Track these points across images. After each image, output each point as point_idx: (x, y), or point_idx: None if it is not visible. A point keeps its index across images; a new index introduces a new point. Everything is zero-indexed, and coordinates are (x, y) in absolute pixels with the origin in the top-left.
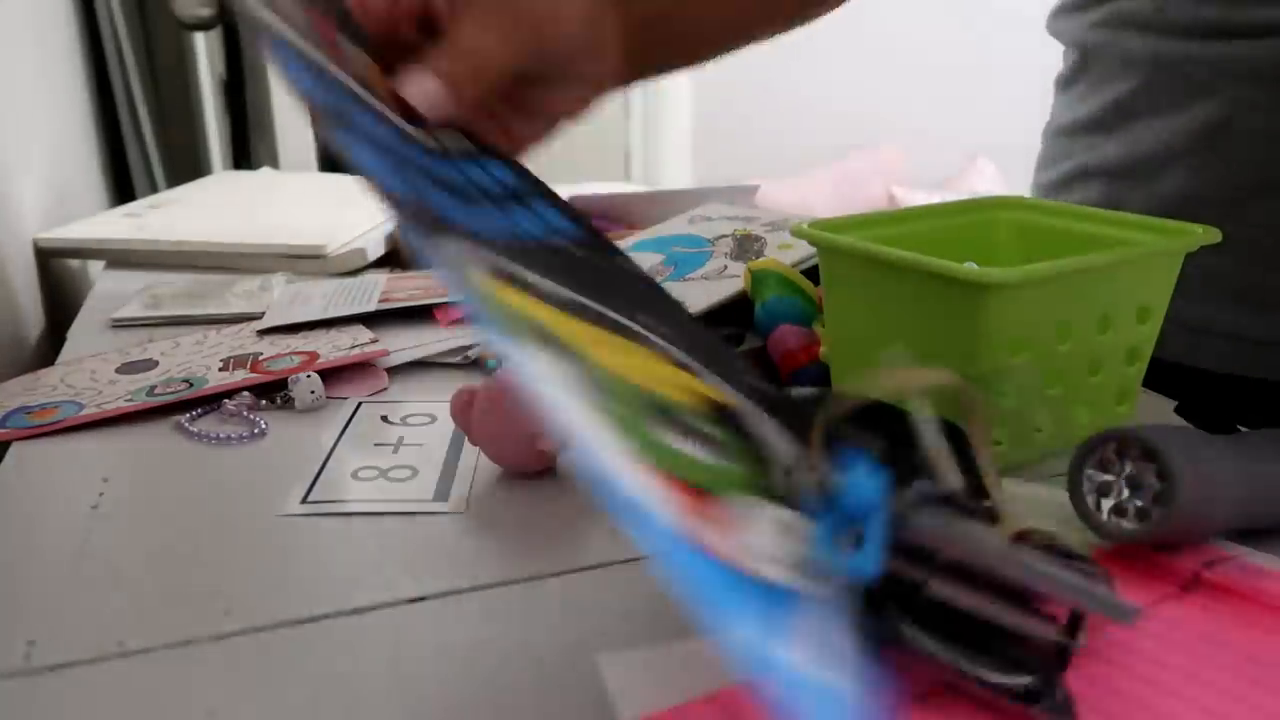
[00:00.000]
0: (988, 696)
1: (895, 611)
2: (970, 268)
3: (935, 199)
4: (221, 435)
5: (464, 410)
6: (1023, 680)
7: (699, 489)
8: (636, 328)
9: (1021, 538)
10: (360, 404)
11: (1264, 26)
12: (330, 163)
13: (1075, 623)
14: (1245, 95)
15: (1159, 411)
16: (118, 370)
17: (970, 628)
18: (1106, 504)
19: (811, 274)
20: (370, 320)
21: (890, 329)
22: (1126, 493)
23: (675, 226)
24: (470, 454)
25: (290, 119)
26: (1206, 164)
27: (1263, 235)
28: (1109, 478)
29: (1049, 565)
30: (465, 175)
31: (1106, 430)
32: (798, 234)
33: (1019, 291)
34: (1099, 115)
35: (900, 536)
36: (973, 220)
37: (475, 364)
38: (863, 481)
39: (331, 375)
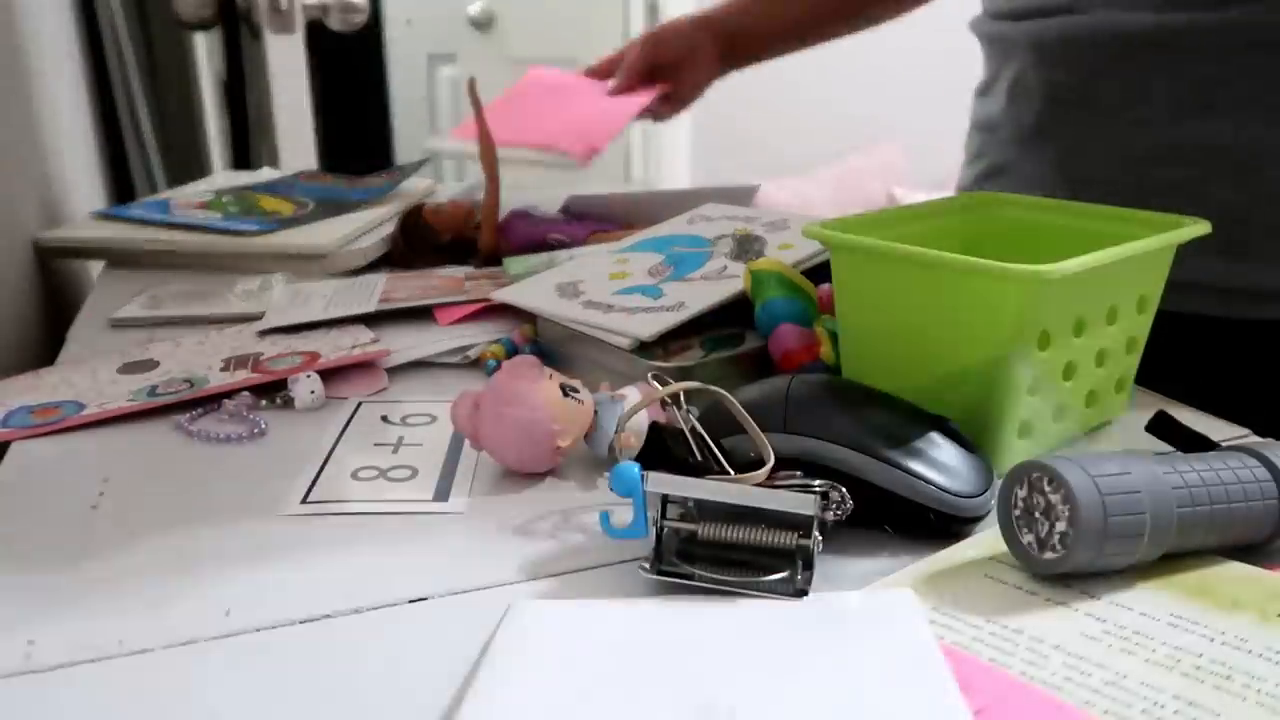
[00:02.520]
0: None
1: (682, 560)
2: (1009, 266)
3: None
4: (221, 435)
5: (470, 416)
6: (777, 576)
7: None
8: None
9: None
10: (360, 404)
11: (1039, 10)
12: (331, 164)
13: (809, 529)
14: (1030, 59)
15: (1151, 406)
16: (119, 370)
17: (741, 555)
18: (1028, 537)
19: (811, 274)
20: (370, 320)
21: (913, 327)
22: (1045, 525)
23: (675, 226)
24: (470, 454)
25: (290, 119)
26: (1012, 112)
27: (1048, 170)
28: (1027, 510)
29: (761, 495)
30: None
31: (1021, 462)
32: (812, 236)
33: (1053, 288)
34: (981, 85)
35: (674, 501)
36: (971, 218)
37: (475, 364)
38: (625, 473)
39: (331, 375)
